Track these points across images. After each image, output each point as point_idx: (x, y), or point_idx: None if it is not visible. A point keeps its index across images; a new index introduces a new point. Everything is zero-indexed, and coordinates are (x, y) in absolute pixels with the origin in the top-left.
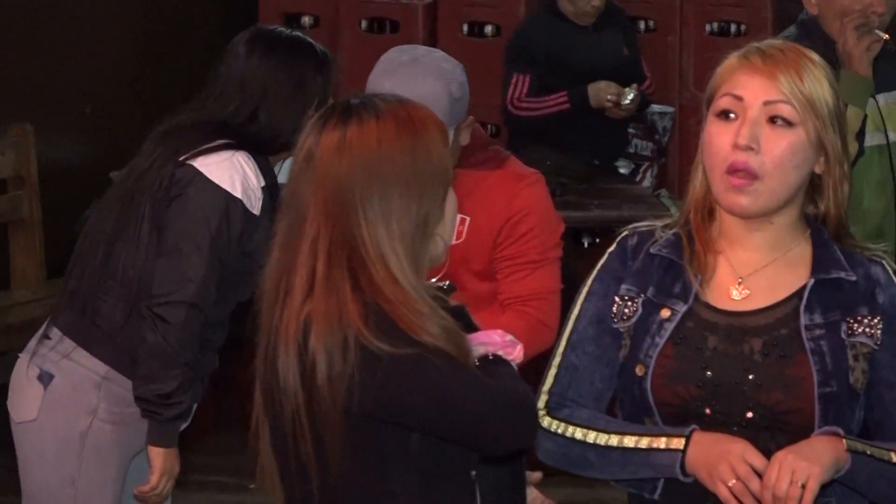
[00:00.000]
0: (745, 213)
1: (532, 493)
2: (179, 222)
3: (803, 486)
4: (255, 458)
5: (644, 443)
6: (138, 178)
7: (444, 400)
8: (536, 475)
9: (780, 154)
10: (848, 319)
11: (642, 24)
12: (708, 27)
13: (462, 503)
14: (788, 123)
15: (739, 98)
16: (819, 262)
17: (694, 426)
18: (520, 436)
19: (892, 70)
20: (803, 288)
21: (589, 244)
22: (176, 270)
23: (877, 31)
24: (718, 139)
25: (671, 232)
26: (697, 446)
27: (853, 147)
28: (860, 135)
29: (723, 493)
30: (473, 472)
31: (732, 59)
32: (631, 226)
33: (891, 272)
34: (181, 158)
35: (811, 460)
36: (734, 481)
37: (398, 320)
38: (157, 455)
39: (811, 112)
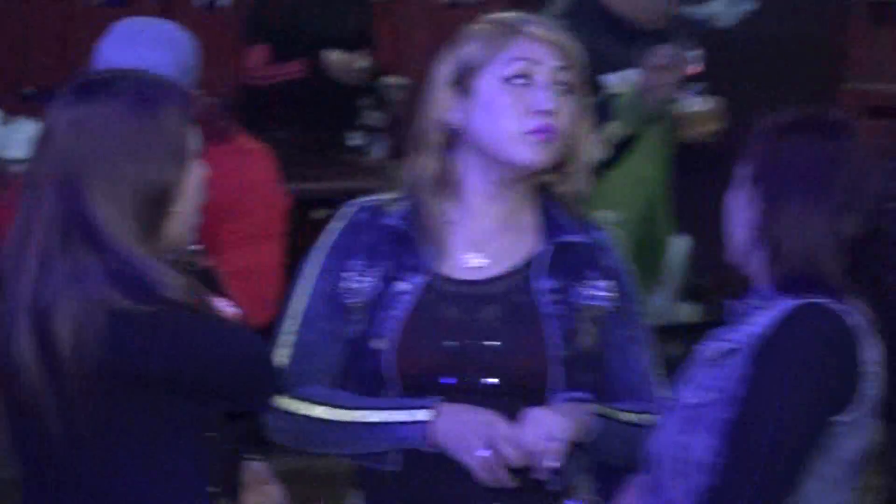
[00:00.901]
0: (540, 166)
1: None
2: None
3: (555, 440)
4: None
5: (388, 417)
6: None
7: (190, 352)
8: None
9: (569, 118)
10: (579, 283)
11: None
12: None
13: (189, 466)
14: (570, 90)
15: (537, 62)
16: (550, 229)
17: (438, 398)
18: (265, 388)
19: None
20: (536, 254)
21: (319, 217)
22: None
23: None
24: (514, 102)
25: (402, 204)
26: (444, 418)
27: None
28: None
29: (474, 463)
30: (210, 434)
31: (506, 26)
32: (358, 200)
33: (615, 238)
34: None
35: (562, 414)
36: (486, 451)
37: (140, 279)
38: None
39: (582, 83)
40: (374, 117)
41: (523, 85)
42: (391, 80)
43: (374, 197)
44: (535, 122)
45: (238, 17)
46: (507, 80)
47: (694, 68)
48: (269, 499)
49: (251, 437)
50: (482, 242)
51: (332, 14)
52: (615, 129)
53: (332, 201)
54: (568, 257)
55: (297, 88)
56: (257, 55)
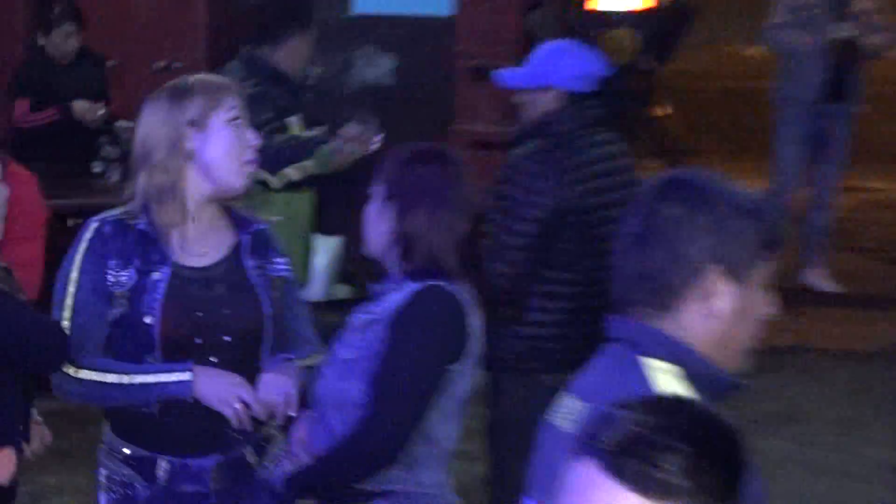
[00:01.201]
0: (246, 188)
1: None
2: None
3: (289, 395)
4: None
5: (159, 378)
6: None
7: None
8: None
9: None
10: (268, 260)
11: (110, 63)
12: (154, 65)
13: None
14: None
15: (242, 109)
16: (239, 225)
17: (191, 363)
18: (59, 353)
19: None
20: (241, 242)
21: (72, 224)
22: None
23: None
24: (238, 140)
25: (142, 214)
26: (201, 377)
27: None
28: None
29: (230, 412)
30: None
31: (221, 85)
32: (101, 216)
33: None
34: None
35: (287, 375)
36: (238, 405)
37: None
38: None
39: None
40: (110, 151)
41: (238, 126)
42: (123, 123)
43: (114, 212)
44: (249, 155)
45: (6, 79)
46: (229, 122)
47: (376, 144)
48: (43, 437)
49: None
50: (202, 238)
51: (77, 75)
52: (308, 167)
53: (82, 213)
54: (257, 242)
55: (53, 130)
56: (21, 106)
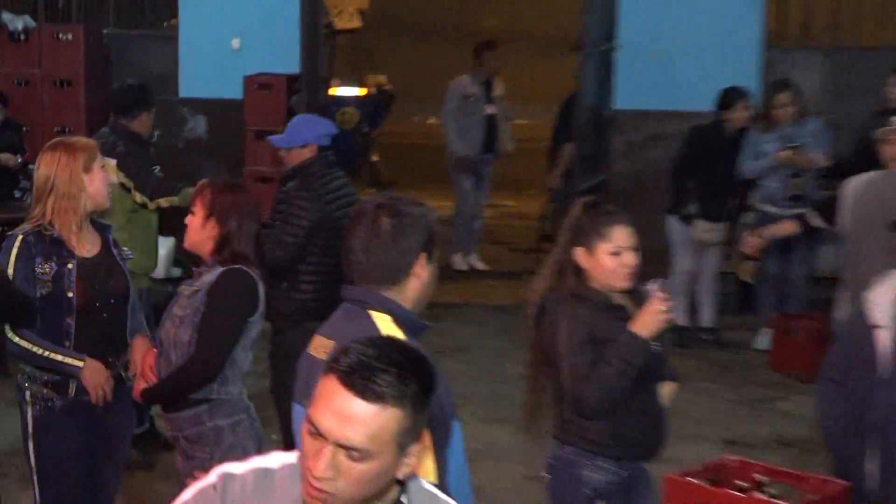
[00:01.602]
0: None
1: None
2: None
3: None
4: None
5: (62, 359)
6: None
7: None
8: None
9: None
10: (119, 250)
11: (24, 128)
12: (55, 130)
13: None
14: None
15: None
16: (99, 228)
17: (84, 356)
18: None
19: None
20: (106, 238)
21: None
22: None
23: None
24: (105, 177)
25: (50, 226)
26: (86, 368)
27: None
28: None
29: (93, 395)
30: None
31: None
32: (21, 228)
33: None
34: None
35: (145, 339)
36: (99, 392)
37: None
38: None
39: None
40: (26, 184)
41: (102, 168)
42: (32, 166)
43: (27, 225)
44: (109, 185)
45: None
46: (100, 167)
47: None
48: None
49: None
50: (86, 239)
51: (3, 136)
52: (174, 200)
53: (8, 223)
54: (113, 239)
55: None
56: None
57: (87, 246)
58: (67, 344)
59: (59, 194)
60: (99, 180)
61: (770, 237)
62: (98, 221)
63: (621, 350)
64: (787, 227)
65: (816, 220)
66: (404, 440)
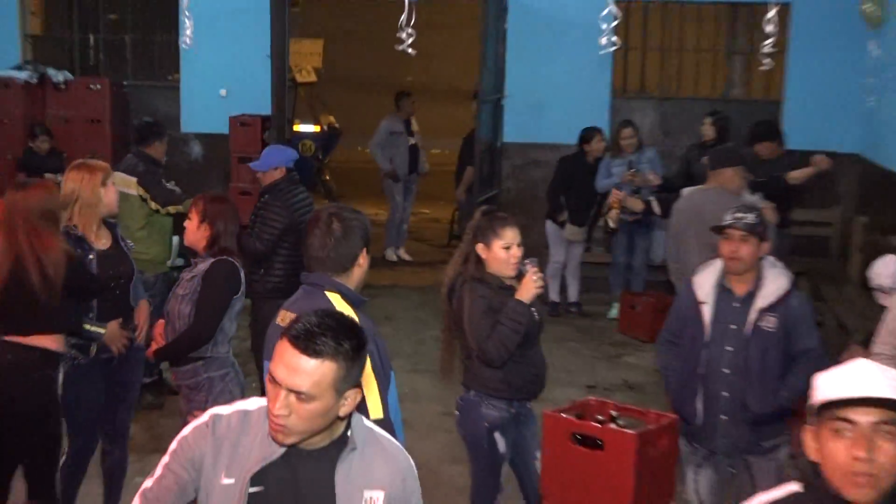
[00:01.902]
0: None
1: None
2: None
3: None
4: None
5: (90, 328)
6: None
7: None
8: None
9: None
10: (125, 242)
11: (64, 154)
12: (88, 155)
13: None
14: None
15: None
16: (108, 225)
17: (106, 324)
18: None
19: None
20: (115, 234)
21: None
22: None
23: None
24: (115, 191)
25: (73, 226)
26: (108, 331)
27: (166, 210)
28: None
29: (114, 349)
30: None
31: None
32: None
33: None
34: None
35: (146, 306)
36: (117, 346)
37: None
38: None
39: None
40: None
41: (114, 184)
42: None
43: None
44: (117, 196)
45: (14, 162)
46: (113, 183)
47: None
48: None
49: None
50: (101, 235)
51: (50, 161)
52: (179, 208)
53: None
54: (120, 234)
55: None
56: (22, 175)
57: (102, 241)
58: (91, 315)
59: (83, 203)
60: (112, 192)
61: (624, 200)
62: (108, 221)
63: (511, 313)
64: (637, 204)
65: (657, 209)
66: (341, 386)
